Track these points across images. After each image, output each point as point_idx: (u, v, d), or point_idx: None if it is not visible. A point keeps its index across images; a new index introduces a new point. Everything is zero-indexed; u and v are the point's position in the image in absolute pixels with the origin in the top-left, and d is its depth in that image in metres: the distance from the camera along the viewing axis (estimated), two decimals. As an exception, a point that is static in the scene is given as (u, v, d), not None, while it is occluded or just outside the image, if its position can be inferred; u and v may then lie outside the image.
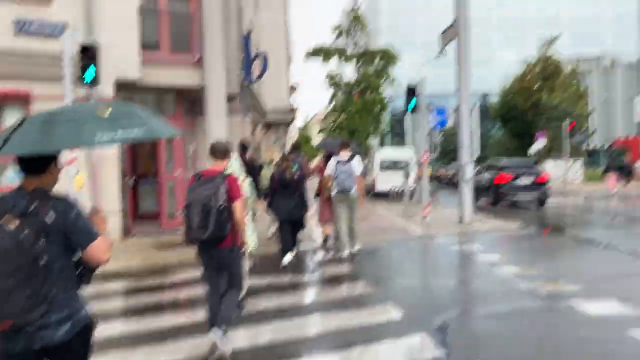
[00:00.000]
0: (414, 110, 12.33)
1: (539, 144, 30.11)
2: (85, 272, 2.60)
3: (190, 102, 13.30)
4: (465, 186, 13.60)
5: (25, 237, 2.32)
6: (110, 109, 2.56)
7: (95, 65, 8.84)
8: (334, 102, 36.10)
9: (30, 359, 2.45)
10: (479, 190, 18.54)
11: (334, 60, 35.03)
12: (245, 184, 5.89)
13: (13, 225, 2.33)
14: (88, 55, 8.82)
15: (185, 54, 12.24)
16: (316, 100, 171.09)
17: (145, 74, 11.36)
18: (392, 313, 5.72)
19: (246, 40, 13.79)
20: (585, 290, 6.46)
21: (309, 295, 6.88)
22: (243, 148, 10.53)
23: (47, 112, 2.52)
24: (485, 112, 75.47)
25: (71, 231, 2.47)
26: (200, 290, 6.78)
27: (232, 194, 4.44)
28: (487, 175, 20.07)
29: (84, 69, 8.80)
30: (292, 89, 26.13)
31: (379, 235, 11.42)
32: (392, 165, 24.81)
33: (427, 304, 6.21)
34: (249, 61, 13.80)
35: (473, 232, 12.16)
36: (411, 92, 12.31)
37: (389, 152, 26.67)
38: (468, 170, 13.49)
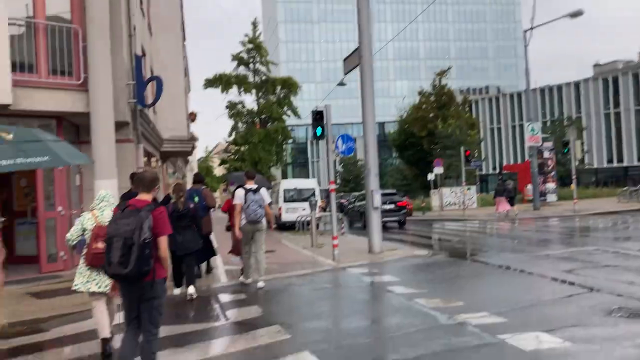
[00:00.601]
0: (321, 136, 11.82)
1: (437, 170, 31.06)
2: None
3: (73, 129, 11.94)
4: (373, 214, 13.25)
5: None
6: (11, 134, 2.34)
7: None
8: (235, 133, 35.25)
9: None
10: (352, 217, 25.27)
11: (234, 90, 34.34)
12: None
13: None
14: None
15: (66, 76, 10.94)
16: (217, 130, 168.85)
17: (19, 98, 9.94)
18: (312, 365, 4.96)
19: (138, 62, 12.70)
20: (512, 321, 6.09)
21: (218, 346, 5.92)
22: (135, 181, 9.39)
23: None
24: (383, 141, 78.23)
25: None
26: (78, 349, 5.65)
27: (159, 229, 4.26)
28: (358, 204, 24.95)
29: None
30: (192, 116, 24.93)
31: (290, 270, 10.67)
32: (296, 196, 24.34)
33: (346, 351, 5.50)
34: (142, 84, 12.69)
35: (384, 262, 11.76)
36: (318, 117, 11.83)
37: (293, 182, 26.24)
38: (377, 198, 13.16)
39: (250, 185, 9.03)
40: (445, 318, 6.48)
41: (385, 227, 20.92)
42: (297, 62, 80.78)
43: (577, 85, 53.19)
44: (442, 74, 47.97)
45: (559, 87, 52.91)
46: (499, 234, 18.02)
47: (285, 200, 24.10)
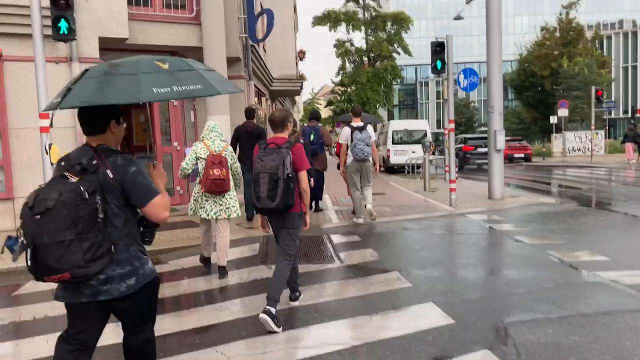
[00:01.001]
0: (441, 69, 10.82)
1: (561, 112, 28.45)
2: (149, 228, 2.67)
3: (187, 65, 11.91)
4: (496, 156, 12.19)
5: (84, 191, 2.35)
6: (167, 63, 2.57)
7: (68, 17, 7.42)
8: (342, 73, 34.54)
9: (95, 311, 2.56)
10: (463, 161, 24.21)
11: (343, 28, 33.36)
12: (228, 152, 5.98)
13: (74, 179, 2.39)
14: (60, 4, 7.40)
15: (180, 10, 10.80)
16: (324, 71, 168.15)
17: (135, 32, 9.96)
18: (440, 319, 4.43)
19: (250, -4, 12.29)
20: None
21: (334, 290, 5.56)
22: (250, 115, 9.27)
23: (108, 64, 2.53)
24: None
25: (129, 188, 2.51)
26: (194, 282, 5.56)
27: (299, 164, 4.44)
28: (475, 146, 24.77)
29: (55, 21, 7.39)
30: (301, 54, 24.50)
31: (403, 214, 10.11)
32: (406, 137, 23.41)
33: (475, 305, 4.89)
34: (253, 19, 12.32)
35: (508, 208, 10.81)
36: (438, 48, 10.79)
37: (403, 123, 25.13)
38: (500, 139, 12.04)
39: (357, 122, 8.77)
40: (589, 275, 5.63)
41: (481, 169, 22.34)
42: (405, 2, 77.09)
43: None
44: (569, 6, 43.43)
45: None
46: (635, 183, 16.12)
47: (394, 142, 23.24)
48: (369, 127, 8.82)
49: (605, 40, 52.65)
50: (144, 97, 2.38)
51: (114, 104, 2.48)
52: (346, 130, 8.87)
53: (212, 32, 10.62)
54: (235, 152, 9.26)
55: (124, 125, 2.73)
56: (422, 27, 77.19)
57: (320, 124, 10.41)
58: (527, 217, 9.76)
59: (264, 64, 16.50)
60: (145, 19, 10.11)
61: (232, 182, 5.98)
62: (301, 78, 22.89)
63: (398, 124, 24.47)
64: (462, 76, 11.54)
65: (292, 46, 21.93)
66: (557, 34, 42.94)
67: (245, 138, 8.93)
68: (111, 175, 2.46)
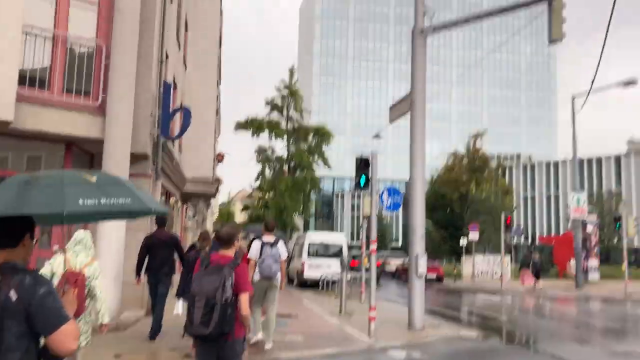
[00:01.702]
0: (365, 186, 10.22)
1: (472, 236, 29.04)
2: None
3: (85, 158, 10.57)
4: (416, 282, 11.43)
5: None
6: (95, 176, 2.52)
7: None
8: (262, 178, 34.01)
9: None
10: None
11: (265, 135, 33.32)
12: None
13: None
14: None
15: (83, 97, 9.66)
16: (242, 175, 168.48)
17: (23, 115, 8.63)
18: None
19: (167, 90, 11.44)
20: None
21: None
22: (161, 222, 8.46)
23: (27, 175, 2.48)
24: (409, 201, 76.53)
25: (36, 313, 2.21)
26: None
27: (240, 287, 4.15)
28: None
29: None
30: (219, 157, 23.67)
31: (316, 346, 8.84)
32: (322, 251, 22.57)
33: None
34: (168, 115, 11.38)
35: (429, 343, 9.86)
36: (363, 164, 10.26)
37: (320, 236, 24.38)
38: (422, 264, 11.36)
39: (268, 238, 8.35)
40: None
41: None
42: (328, 114, 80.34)
43: (617, 159, 51.08)
44: (477, 136, 46.58)
45: (598, 160, 50.88)
46: (552, 316, 15.87)
47: (310, 255, 22.30)
48: (280, 244, 8.40)
49: (507, 171, 56.51)
50: (69, 207, 2.32)
51: (29, 216, 2.36)
52: (256, 245, 8.36)
53: (117, 124, 9.50)
54: (142, 266, 8.38)
55: (35, 240, 2.46)
56: (340, 142, 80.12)
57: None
58: (452, 356, 8.81)
59: (177, 163, 15.37)
60: (38, 102, 8.86)
61: (94, 304, 5.05)
62: (217, 181, 21.86)
63: (315, 236, 23.67)
64: (385, 195, 10.98)
65: (210, 148, 21.11)
66: (465, 160, 45.46)
67: (158, 248, 8.18)
68: (14, 298, 2.18)
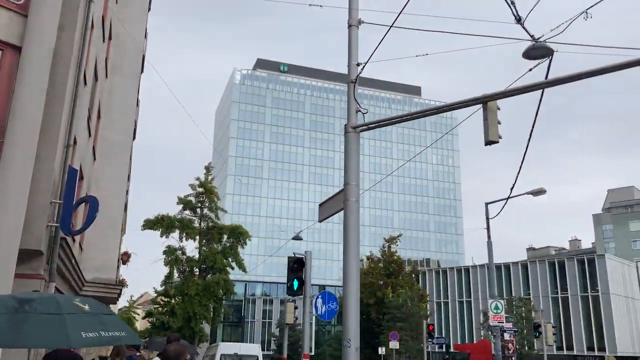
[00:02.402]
0: (298, 291, 9.03)
1: (393, 345, 27.96)
2: None
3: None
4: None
5: None
6: (86, 305, 2.57)
7: None
8: (167, 282, 31.47)
9: None
10: None
11: (176, 235, 31.35)
12: None
13: None
14: None
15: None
16: (147, 278, 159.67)
17: None
18: None
19: (72, 177, 9.96)
20: None
21: None
22: None
23: (13, 299, 2.36)
24: (322, 306, 74.50)
25: None
26: None
27: None
28: None
29: None
30: (125, 257, 21.50)
31: None
32: (236, 364, 20.47)
33: None
34: (71, 206, 9.81)
35: None
36: (296, 265, 9.12)
37: (232, 347, 22.29)
38: (357, 381, 10.03)
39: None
40: None
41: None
42: (242, 215, 78.91)
43: (524, 266, 53.10)
44: (392, 240, 47.01)
45: (506, 266, 52.59)
46: None
47: (221, 369, 20.10)
48: None
49: (420, 276, 57.01)
50: (75, 343, 2.25)
51: None
52: None
53: (5, 213, 7.90)
54: None
55: None
56: (253, 245, 78.26)
57: (139, 353, 8.84)
58: None
59: (76, 263, 13.42)
60: None
61: None
62: (121, 284, 19.62)
63: (227, 347, 21.56)
64: (320, 301, 9.81)
65: (115, 246, 19.05)
66: (381, 264, 45.36)
67: None
68: None
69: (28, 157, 8.42)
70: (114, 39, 19.49)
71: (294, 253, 9.61)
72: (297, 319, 23.27)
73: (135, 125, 22.46)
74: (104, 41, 16.26)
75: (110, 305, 28.50)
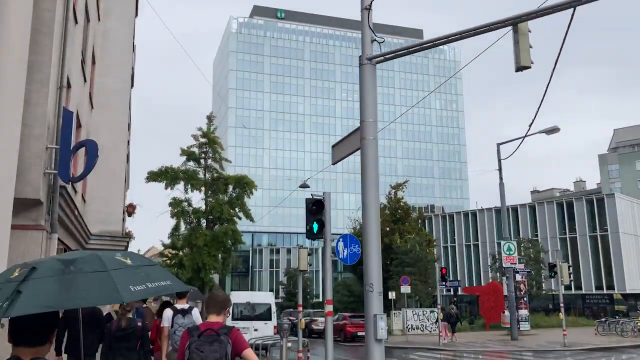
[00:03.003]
0: (317, 234, 8.40)
1: (404, 289, 27.78)
2: None
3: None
4: (375, 348, 9.57)
5: None
6: (128, 258, 2.58)
7: None
8: (175, 234, 31.10)
9: None
10: None
11: (181, 186, 30.75)
12: None
13: None
14: None
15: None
16: (154, 230, 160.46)
17: None
18: None
19: (68, 119, 9.20)
20: None
21: None
22: None
23: (58, 261, 2.42)
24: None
25: None
26: None
27: (240, 347, 4.13)
28: None
29: None
30: (130, 209, 20.93)
31: None
32: (248, 312, 20.27)
33: None
34: (68, 152, 9.09)
35: None
36: (315, 207, 8.47)
37: (244, 295, 22.11)
38: (381, 326, 9.53)
39: (181, 304, 7.79)
40: None
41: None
42: (244, 167, 78.18)
43: (532, 207, 52.77)
44: (398, 187, 46.43)
45: (514, 208, 52.24)
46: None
47: (234, 318, 19.86)
48: (195, 311, 7.76)
49: (427, 221, 56.83)
50: (126, 297, 2.31)
51: (56, 312, 2.23)
52: (167, 313, 7.69)
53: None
54: (61, 343, 7.56)
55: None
56: (258, 195, 78.14)
57: (145, 305, 9.02)
58: None
59: (79, 214, 12.82)
60: None
61: None
62: (127, 236, 19.16)
63: (239, 296, 21.31)
64: (341, 244, 9.21)
65: (119, 198, 18.47)
66: (387, 211, 44.93)
67: (79, 324, 6.59)
68: None
69: (17, 98, 7.63)
70: (104, -21, 18.30)
71: (311, 195, 8.95)
72: (310, 265, 23.06)
73: (133, 72, 21.48)
74: (93, -22, 15.13)
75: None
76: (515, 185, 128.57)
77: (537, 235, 48.93)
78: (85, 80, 14.71)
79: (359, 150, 11.28)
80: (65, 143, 9.14)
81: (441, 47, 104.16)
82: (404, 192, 46.94)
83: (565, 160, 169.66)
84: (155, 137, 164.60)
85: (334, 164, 12.59)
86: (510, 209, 50.21)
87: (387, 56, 11.03)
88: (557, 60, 10.64)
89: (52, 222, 9.45)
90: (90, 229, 16.28)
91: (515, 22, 9.51)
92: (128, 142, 23.15)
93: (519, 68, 9.58)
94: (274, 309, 20.56)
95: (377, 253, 10.07)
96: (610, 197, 47.52)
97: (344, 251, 9.24)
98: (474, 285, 50.31)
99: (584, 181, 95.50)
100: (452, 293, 49.34)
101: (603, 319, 29.69)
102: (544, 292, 41.07)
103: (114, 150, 17.67)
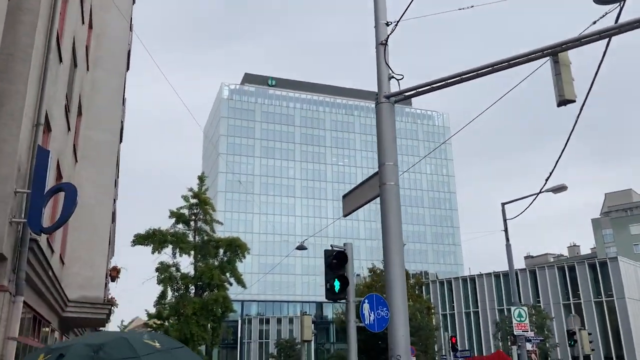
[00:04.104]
0: (340, 293, 6.92)
1: (409, 360, 25.75)
2: None
3: None
4: None
5: None
6: (157, 341, 2.48)
7: None
8: (160, 302, 28.97)
9: None
10: None
11: (169, 250, 28.97)
12: None
13: None
14: None
15: None
16: (137, 300, 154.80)
17: None
18: None
19: (42, 159, 7.85)
20: None
21: None
22: None
23: (84, 346, 2.35)
24: (320, 322, 71.67)
25: None
26: None
27: None
28: None
29: None
30: (114, 272, 19.14)
31: None
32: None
33: None
34: (41, 197, 7.68)
35: None
36: (336, 261, 7.04)
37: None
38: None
39: None
40: None
41: None
42: (234, 232, 76.22)
43: (532, 272, 51.15)
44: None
45: (515, 274, 50.52)
46: None
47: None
48: None
49: (424, 288, 54.82)
50: None
51: None
52: None
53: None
54: None
55: None
56: (247, 263, 75.84)
57: None
58: None
59: (54, 276, 11.20)
60: None
61: None
62: (110, 303, 17.32)
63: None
64: (366, 306, 7.68)
65: (103, 260, 16.78)
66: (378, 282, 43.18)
67: None
68: None
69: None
70: (96, 29, 17.50)
71: (330, 246, 7.53)
72: (315, 333, 21.12)
73: (122, 127, 20.35)
74: (83, 23, 14.23)
75: (100, 329, 26.02)
76: (504, 251, 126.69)
77: (539, 302, 47.06)
78: (69, 129, 13.48)
79: (374, 199, 10.00)
80: (38, 187, 7.74)
81: (430, 113, 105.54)
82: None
83: (552, 226, 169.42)
84: (143, 203, 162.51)
85: (345, 215, 11.19)
86: (519, 273, 48.61)
87: (406, 93, 9.96)
88: (578, 116, 9.66)
89: (18, 282, 7.88)
90: (68, 294, 14.54)
91: (555, 52, 8.52)
92: (114, 200, 21.69)
93: (563, 102, 8.48)
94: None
95: (404, 317, 8.53)
96: (613, 261, 46.16)
97: (370, 315, 7.69)
98: (476, 355, 47.79)
99: (578, 246, 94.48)
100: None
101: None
102: (551, 361, 38.91)
103: (98, 206, 16.19)
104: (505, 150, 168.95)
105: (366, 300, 7.61)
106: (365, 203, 9.99)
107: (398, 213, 9.17)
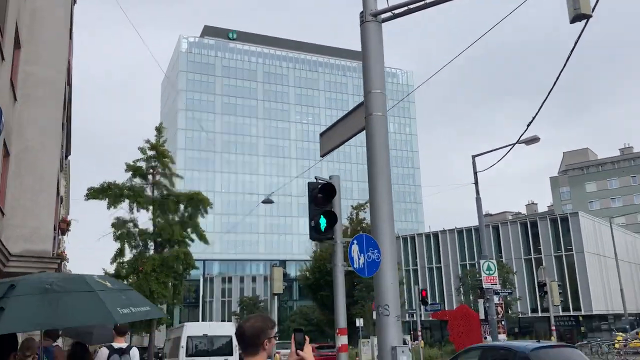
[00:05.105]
0: (326, 231, 5.85)
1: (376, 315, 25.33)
2: None
3: None
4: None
5: None
6: (107, 281, 2.48)
7: None
8: (119, 261, 27.54)
9: None
10: None
11: (126, 205, 27.40)
12: None
13: None
14: None
15: None
16: (93, 256, 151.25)
17: None
18: None
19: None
20: None
21: None
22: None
23: (38, 279, 2.28)
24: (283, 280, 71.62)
25: None
26: None
27: None
28: None
29: None
30: (64, 225, 17.61)
31: None
32: (206, 346, 17.30)
33: None
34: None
35: None
36: (324, 194, 5.94)
37: (201, 327, 19.05)
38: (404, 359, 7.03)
39: (119, 343, 7.16)
40: None
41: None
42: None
43: (495, 227, 51.67)
44: (359, 207, 44.42)
45: (477, 229, 50.96)
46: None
47: (188, 354, 16.90)
48: (134, 351, 7.26)
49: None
50: (118, 318, 2.23)
51: (14, 335, 2.11)
52: (103, 353, 7.04)
53: None
54: None
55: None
56: (209, 221, 74.41)
57: (55, 343, 8.00)
58: None
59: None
60: None
61: None
62: (60, 257, 15.88)
63: (194, 328, 18.27)
64: (355, 248, 6.64)
65: (50, 211, 15.25)
66: (350, 233, 42.69)
67: None
68: None
69: None
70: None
71: (315, 178, 6.41)
72: (285, 286, 20.25)
73: (70, 65, 18.44)
74: None
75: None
76: (464, 209, 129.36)
77: (501, 257, 47.67)
78: (2, 59, 11.74)
79: (356, 135, 8.88)
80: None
81: (394, 70, 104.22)
82: (365, 212, 44.93)
83: (510, 186, 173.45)
84: (100, 162, 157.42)
85: (322, 156, 10.03)
86: (473, 230, 48.97)
87: (396, 11, 8.69)
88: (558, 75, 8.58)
89: None
90: (9, 247, 13.07)
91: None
92: (63, 146, 19.91)
93: (578, 17, 7.44)
94: (235, 342, 17.60)
95: (392, 264, 7.51)
96: (574, 216, 46.95)
97: (359, 259, 6.66)
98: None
99: (536, 204, 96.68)
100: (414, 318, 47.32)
101: (585, 341, 28.08)
102: (514, 314, 39.63)
103: (42, 151, 14.56)
104: (467, 111, 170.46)
105: (355, 241, 6.58)
106: (348, 139, 8.84)
107: (386, 146, 8.06)
